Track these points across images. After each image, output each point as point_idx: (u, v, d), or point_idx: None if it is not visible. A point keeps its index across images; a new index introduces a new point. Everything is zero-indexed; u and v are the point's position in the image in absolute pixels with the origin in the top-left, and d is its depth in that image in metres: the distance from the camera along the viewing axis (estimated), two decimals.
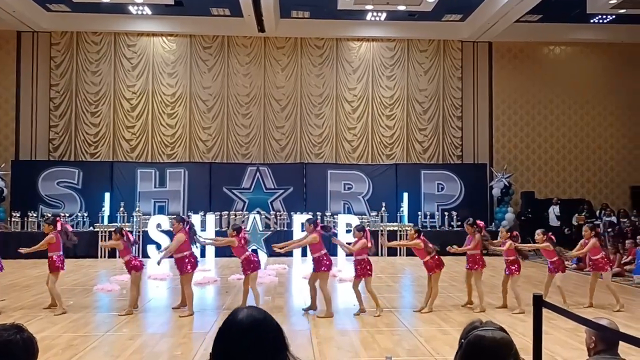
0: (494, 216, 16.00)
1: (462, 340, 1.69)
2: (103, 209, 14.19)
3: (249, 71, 16.44)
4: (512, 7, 13.51)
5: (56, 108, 16.09)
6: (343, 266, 11.04)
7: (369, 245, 7.11)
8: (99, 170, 15.27)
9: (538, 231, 7.75)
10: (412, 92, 16.77)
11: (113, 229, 8.18)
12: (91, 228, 14.08)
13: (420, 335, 6.09)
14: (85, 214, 14.43)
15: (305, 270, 10.32)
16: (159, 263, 7.78)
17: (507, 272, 7.53)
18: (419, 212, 15.17)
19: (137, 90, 16.25)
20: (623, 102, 17.24)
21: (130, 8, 14.92)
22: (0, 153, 15.84)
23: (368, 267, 7.06)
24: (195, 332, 6.33)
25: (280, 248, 7.76)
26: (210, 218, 13.67)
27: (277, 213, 14.62)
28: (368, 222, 14.44)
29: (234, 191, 15.27)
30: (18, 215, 13.86)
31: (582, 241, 7.85)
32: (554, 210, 15.41)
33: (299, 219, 13.78)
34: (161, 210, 14.83)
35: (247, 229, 13.72)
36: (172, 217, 13.91)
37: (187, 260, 7.14)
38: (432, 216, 15.25)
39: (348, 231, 13.29)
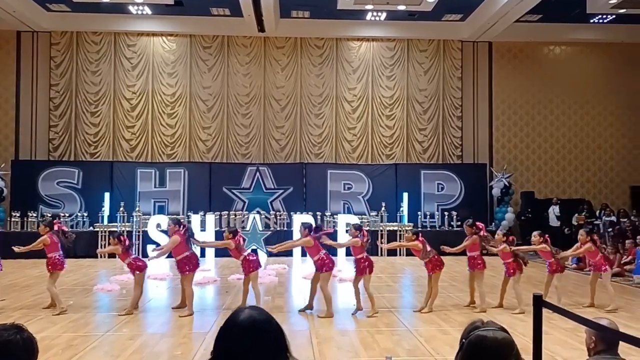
0: (494, 216, 16.01)
1: (463, 340, 1.69)
2: (103, 209, 14.18)
3: (249, 71, 16.44)
4: (512, 7, 13.51)
5: (56, 108, 16.09)
6: (343, 266, 11.03)
7: (361, 242, 7.08)
8: (99, 170, 15.27)
9: (534, 233, 7.76)
10: (412, 92, 16.77)
11: (111, 233, 8.16)
12: (91, 228, 14.08)
13: (420, 335, 6.09)
14: (85, 214, 14.43)
15: (305, 270, 10.32)
16: (149, 259, 7.82)
17: (507, 275, 7.54)
18: (419, 212, 15.18)
19: (137, 90, 16.25)
20: (623, 102, 17.24)
21: (130, 8, 14.92)
22: (0, 153, 15.84)
23: (367, 264, 7.05)
24: (195, 332, 6.33)
25: (273, 249, 7.80)
26: (210, 218, 13.67)
27: (277, 213, 14.62)
28: (368, 222, 14.46)
29: (234, 191, 15.28)
30: (18, 215, 13.86)
31: (577, 245, 7.84)
32: (553, 210, 15.41)
33: (299, 219, 13.77)
34: (161, 210, 14.84)
35: (247, 228, 13.74)
36: (171, 217, 14.01)
37: (188, 261, 7.16)
38: (432, 216, 15.25)
39: (348, 231, 13.30)
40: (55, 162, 15.49)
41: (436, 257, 7.45)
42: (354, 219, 13.92)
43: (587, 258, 7.93)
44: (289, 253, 11.65)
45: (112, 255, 12.59)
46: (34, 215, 14.00)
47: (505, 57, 17.11)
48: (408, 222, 14.64)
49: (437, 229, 14.80)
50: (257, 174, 15.37)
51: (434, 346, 5.60)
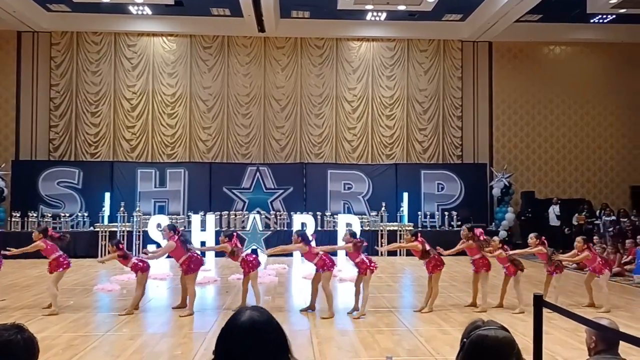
0: (494, 216, 16.01)
1: (465, 340, 1.69)
2: (103, 209, 14.19)
3: (249, 71, 16.44)
4: (512, 7, 13.51)
5: (56, 108, 16.09)
6: (343, 266, 11.03)
7: (353, 246, 7.08)
8: (99, 170, 15.27)
9: (531, 235, 7.76)
10: (412, 92, 16.77)
11: (109, 240, 8.14)
12: (91, 228, 14.08)
13: (421, 335, 6.10)
14: (86, 214, 14.43)
15: (305, 271, 10.32)
16: (145, 257, 7.84)
17: (506, 273, 7.57)
18: (419, 212, 15.18)
19: (137, 90, 16.25)
20: (623, 102, 17.24)
21: (131, 8, 14.92)
22: (1, 153, 15.84)
23: (369, 264, 7.06)
24: (195, 332, 6.33)
25: (266, 252, 7.88)
26: (210, 218, 13.68)
27: (277, 213, 14.63)
28: (368, 222, 14.46)
29: (234, 191, 15.28)
30: (18, 215, 13.86)
31: (574, 252, 7.84)
32: (554, 210, 15.40)
33: (299, 219, 13.81)
34: (161, 210, 14.84)
35: (247, 228, 13.75)
36: (170, 217, 13.99)
37: (189, 262, 7.19)
38: (432, 216, 15.25)
39: (353, 232, 13.28)
40: (55, 162, 15.49)
41: (436, 257, 7.45)
42: (354, 219, 13.95)
43: (585, 262, 7.93)
44: (288, 253, 11.64)
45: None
46: (35, 215, 14.01)
47: (506, 57, 17.11)
48: (408, 222, 14.64)
49: (437, 229, 14.80)
50: (257, 174, 15.37)
51: (434, 346, 5.60)
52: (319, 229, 13.92)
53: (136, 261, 7.37)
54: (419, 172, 15.81)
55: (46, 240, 7.29)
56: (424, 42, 16.78)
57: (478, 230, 7.82)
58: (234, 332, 1.54)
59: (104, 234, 13.45)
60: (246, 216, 14.24)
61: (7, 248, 7.44)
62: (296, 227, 13.56)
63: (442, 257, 7.56)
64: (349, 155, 16.57)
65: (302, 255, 7.36)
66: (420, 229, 12.99)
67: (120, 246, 7.47)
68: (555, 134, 17.20)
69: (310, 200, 15.28)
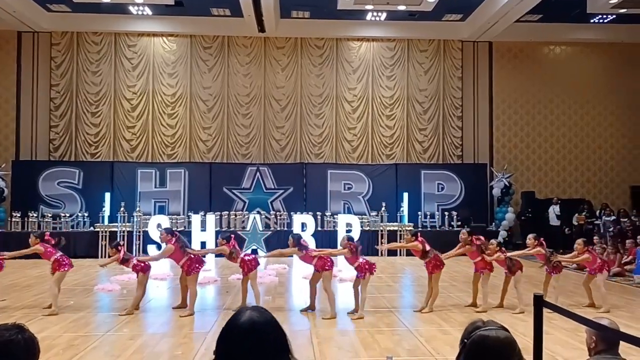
0: (494, 216, 16.01)
1: (465, 340, 1.68)
2: (103, 209, 14.19)
3: (249, 71, 16.45)
4: (512, 7, 13.51)
5: (56, 108, 16.10)
6: (343, 266, 11.02)
7: (350, 251, 7.09)
8: (100, 170, 15.28)
9: (529, 236, 7.76)
10: (412, 92, 16.77)
11: (109, 243, 8.14)
12: (92, 228, 14.08)
13: (421, 335, 6.10)
14: (86, 214, 14.44)
15: (306, 271, 10.30)
16: (142, 259, 7.87)
17: (506, 273, 7.59)
18: (419, 212, 15.18)
19: (138, 90, 16.25)
20: (623, 102, 17.24)
21: (131, 8, 14.93)
22: (1, 153, 15.85)
23: (367, 267, 7.06)
24: (195, 332, 6.33)
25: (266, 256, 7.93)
26: (211, 218, 13.68)
27: (277, 213, 14.63)
28: (368, 222, 14.47)
29: (234, 191, 15.28)
30: (18, 215, 13.87)
31: (574, 253, 7.84)
32: (554, 210, 15.41)
33: (299, 219, 13.81)
34: (162, 211, 14.85)
35: (248, 228, 13.76)
36: (170, 218, 14.00)
37: (191, 263, 7.20)
38: (432, 216, 15.26)
39: (348, 231, 13.31)
40: (55, 163, 15.50)
41: (436, 257, 7.46)
42: (354, 219, 13.96)
43: (584, 264, 7.93)
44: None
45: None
46: (35, 215, 14.01)
47: (506, 57, 17.11)
48: (408, 222, 14.64)
49: (438, 229, 14.80)
50: (258, 174, 15.38)
51: (435, 346, 5.60)
52: (319, 229, 13.94)
53: (137, 262, 7.38)
54: (419, 172, 15.81)
55: (44, 244, 7.29)
56: (424, 42, 16.78)
57: (474, 237, 7.82)
58: (234, 332, 1.55)
59: (104, 234, 13.45)
60: (246, 216, 14.25)
61: (2, 253, 7.40)
62: (296, 227, 13.57)
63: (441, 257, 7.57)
64: (349, 156, 16.57)
65: (300, 258, 7.35)
66: (420, 229, 13.00)
67: (120, 248, 7.47)
68: (556, 134, 17.20)
69: (310, 201, 15.28)
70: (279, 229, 14.10)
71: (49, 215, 14.21)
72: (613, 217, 14.19)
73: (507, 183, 15.63)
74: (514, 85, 17.06)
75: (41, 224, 13.92)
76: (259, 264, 7.60)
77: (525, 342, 3.78)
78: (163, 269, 10.80)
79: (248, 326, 1.54)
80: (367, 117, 16.67)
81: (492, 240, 7.85)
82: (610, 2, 13.74)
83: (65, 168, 15.12)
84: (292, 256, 12.32)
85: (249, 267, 7.29)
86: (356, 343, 5.79)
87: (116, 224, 13.71)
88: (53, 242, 7.44)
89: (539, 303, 2.83)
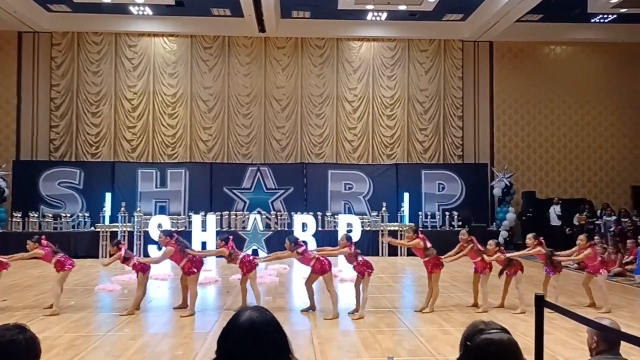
0: (495, 216, 16.00)
1: (468, 343, 1.67)
2: (104, 209, 14.19)
3: (249, 71, 16.45)
4: (512, 6, 13.50)
5: (57, 108, 16.11)
6: (343, 266, 11.03)
7: (350, 251, 7.09)
8: (100, 170, 15.28)
9: (529, 235, 7.75)
10: (413, 91, 16.77)
11: (110, 241, 8.13)
12: (92, 228, 14.09)
13: (422, 335, 6.09)
14: (87, 214, 14.44)
15: (306, 271, 10.31)
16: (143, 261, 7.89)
17: (507, 274, 7.58)
18: (420, 212, 15.17)
19: (138, 90, 16.26)
20: (624, 102, 17.23)
21: (131, 8, 14.93)
22: (1, 153, 15.86)
23: (364, 267, 7.06)
24: (196, 332, 6.33)
25: (260, 259, 7.95)
26: (211, 218, 13.68)
27: (278, 213, 14.63)
28: (369, 222, 14.46)
29: (235, 191, 15.28)
30: (19, 215, 13.88)
31: (575, 249, 7.83)
32: (555, 210, 15.40)
33: (300, 219, 13.81)
34: (162, 211, 14.85)
35: (248, 229, 13.76)
36: (171, 218, 14.01)
37: (191, 264, 7.21)
38: (433, 216, 15.25)
39: (349, 231, 13.31)
40: (56, 163, 15.51)
41: (436, 256, 7.45)
42: (355, 219, 13.95)
43: (585, 261, 7.91)
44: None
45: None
46: (36, 215, 14.02)
47: (506, 57, 17.10)
48: (409, 222, 14.63)
49: (438, 229, 14.79)
50: (258, 174, 15.38)
51: (435, 346, 5.60)
52: (319, 229, 13.94)
53: (137, 261, 7.38)
54: (419, 172, 15.81)
55: (43, 247, 7.29)
56: (424, 42, 16.77)
57: (474, 242, 7.81)
58: (234, 332, 1.55)
59: (104, 234, 13.46)
60: (247, 216, 14.24)
61: (1, 257, 7.39)
62: (297, 227, 13.57)
63: (441, 257, 7.55)
64: (349, 155, 16.57)
65: (298, 260, 7.35)
66: (421, 229, 12.99)
67: (121, 246, 7.48)
68: (556, 134, 17.19)
69: (310, 201, 15.28)
70: (279, 229, 14.09)
71: (50, 215, 14.22)
72: (614, 217, 14.19)
73: (507, 183, 15.62)
74: (515, 85, 17.05)
75: (42, 224, 13.93)
76: (257, 265, 7.60)
77: (526, 342, 3.78)
78: (164, 270, 10.79)
79: (248, 326, 1.54)
80: (368, 117, 16.67)
81: (491, 241, 7.83)
82: (611, 1, 13.72)
83: (65, 168, 15.13)
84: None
85: (248, 267, 7.30)
86: (357, 343, 5.79)
87: (117, 224, 13.72)
88: (52, 247, 7.43)
89: (540, 303, 2.83)
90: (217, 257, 12.73)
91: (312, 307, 7.32)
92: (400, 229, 14.16)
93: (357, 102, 16.67)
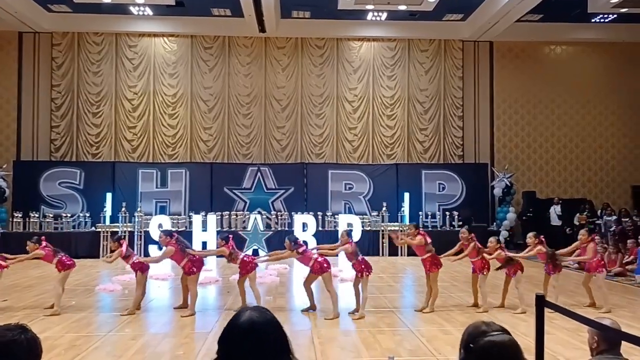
0: (495, 216, 16.00)
1: (471, 346, 1.66)
2: (105, 209, 14.21)
3: (249, 71, 16.45)
4: (513, 6, 13.50)
5: (58, 108, 16.12)
6: (344, 266, 11.03)
7: (352, 248, 7.10)
8: (101, 170, 15.29)
9: (529, 234, 7.75)
10: (413, 91, 16.77)
11: (111, 236, 8.11)
12: (93, 228, 14.10)
13: (422, 335, 6.10)
14: (87, 215, 14.45)
15: (306, 271, 10.31)
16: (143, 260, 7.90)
17: (507, 273, 7.58)
18: (420, 212, 15.17)
19: (139, 90, 16.27)
20: (624, 102, 17.22)
21: (132, 9, 14.94)
22: (2, 153, 15.87)
23: (363, 267, 7.06)
24: (197, 332, 6.34)
25: (260, 259, 7.99)
26: (212, 218, 13.69)
27: (278, 213, 14.63)
28: (369, 222, 14.47)
29: (235, 191, 15.29)
30: (20, 215, 13.88)
31: (576, 244, 7.82)
32: (555, 210, 15.40)
33: (300, 219, 13.82)
34: (163, 211, 14.86)
35: (249, 229, 13.76)
36: (171, 218, 14.02)
37: (192, 263, 7.22)
38: (434, 216, 15.25)
39: (349, 226, 13.31)
40: (57, 163, 15.51)
41: (435, 255, 7.44)
42: (355, 219, 13.96)
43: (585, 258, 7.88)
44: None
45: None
46: (36, 215, 14.03)
47: (507, 57, 17.10)
48: (409, 222, 14.62)
49: (439, 229, 14.78)
50: (258, 174, 15.39)
51: (436, 346, 5.60)
52: (320, 229, 13.94)
53: (136, 260, 7.37)
54: (420, 172, 15.81)
55: (43, 248, 7.29)
56: (424, 42, 16.77)
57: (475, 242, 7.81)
58: (234, 333, 1.56)
59: (105, 234, 13.46)
60: (247, 216, 14.25)
61: (4, 256, 7.39)
62: (297, 227, 13.58)
63: (439, 257, 7.54)
64: (349, 155, 16.57)
65: (297, 260, 7.35)
66: (421, 228, 12.97)
67: (122, 242, 7.48)
68: (557, 134, 17.19)
69: (311, 201, 15.28)
70: (279, 229, 14.10)
71: (51, 215, 14.23)
72: (614, 217, 14.18)
73: (508, 183, 15.62)
74: (515, 85, 17.05)
75: (42, 224, 13.94)
76: (257, 266, 7.60)
77: (527, 342, 3.78)
78: (164, 270, 10.80)
79: (248, 326, 1.55)
80: (368, 117, 16.67)
81: (491, 238, 7.82)
82: (611, 1, 13.72)
83: (66, 168, 15.14)
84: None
85: (248, 268, 7.29)
86: (358, 343, 5.79)
87: (117, 224, 13.73)
88: (52, 247, 7.43)
89: (541, 303, 2.83)
90: (217, 257, 12.81)
91: (312, 307, 7.33)
92: (401, 229, 14.16)
93: (357, 102, 16.68)
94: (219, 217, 14.07)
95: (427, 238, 7.50)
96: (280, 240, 12.06)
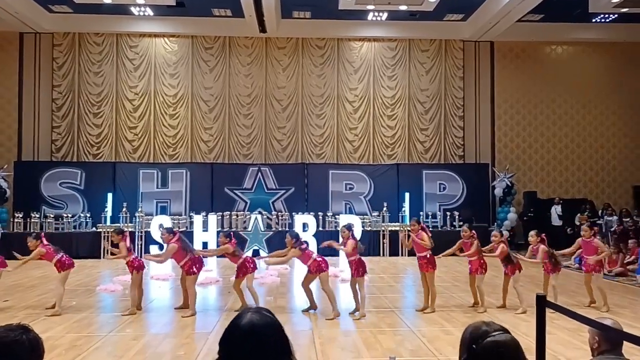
0: (496, 216, 15.99)
1: (474, 346, 1.66)
2: (106, 209, 14.22)
3: (250, 71, 16.46)
4: (513, 6, 13.49)
5: (59, 109, 16.13)
6: (345, 266, 11.02)
7: (355, 244, 7.09)
8: (102, 171, 15.31)
9: (531, 233, 7.74)
10: (414, 92, 16.77)
11: (113, 230, 8.08)
12: (94, 229, 14.11)
13: (423, 335, 6.09)
14: (88, 215, 14.46)
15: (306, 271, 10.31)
16: (146, 258, 7.94)
17: (506, 273, 7.57)
18: (421, 212, 15.14)
19: (139, 91, 16.28)
20: (625, 102, 17.21)
21: (132, 9, 14.95)
22: (3, 154, 15.89)
23: (360, 269, 7.03)
24: (198, 333, 6.34)
25: (265, 260, 8.02)
26: (212, 218, 13.70)
27: (279, 213, 14.64)
28: (370, 222, 14.46)
29: (236, 191, 15.30)
30: (21, 216, 13.90)
31: (579, 240, 7.82)
32: (556, 210, 15.39)
33: (301, 219, 13.82)
34: (163, 211, 14.87)
35: (249, 229, 13.76)
36: (172, 218, 14.03)
37: (192, 263, 7.21)
38: (434, 216, 15.25)
39: (350, 225, 13.28)
40: (57, 163, 15.52)
41: (432, 256, 7.43)
42: (356, 220, 13.94)
43: (583, 255, 7.86)
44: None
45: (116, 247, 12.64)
46: (37, 216, 14.03)
47: (507, 57, 17.09)
48: (410, 222, 14.62)
49: (439, 229, 14.77)
50: (259, 174, 15.39)
51: (437, 346, 5.60)
52: (320, 229, 13.93)
53: (133, 259, 7.35)
54: (420, 172, 15.81)
55: (44, 245, 7.29)
56: (425, 42, 16.77)
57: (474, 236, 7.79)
58: (235, 335, 1.57)
59: (106, 234, 13.47)
60: (248, 217, 14.25)
61: (14, 254, 7.40)
62: (298, 227, 13.55)
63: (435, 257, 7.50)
64: (350, 156, 16.57)
65: (297, 258, 7.33)
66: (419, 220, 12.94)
67: (125, 235, 7.47)
68: (558, 134, 17.18)
69: (311, 201, 15.29)
70: (280, 229, 14.09)
71: (51, 215, 14.24)
72: (615, 217, 14.16)
73: (509, 183, 15.61)
74: (516, 85, 17.04)
75: (43, 224, 13.95)
76: (256, 269, 7.58)
77: (527, 342, 3.78)
78: (165, 270, 10.81)
79: (248, 329, 1.56)
80: (369, 117, 16.67)
81: (495, 232, 7.79)
82: (612, 1, 13.70)
83: (67, 169, 15.15)
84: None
85: (245, 270, 7.27)
86: (359, 343, 5.79)
87: (118, 225, 13.72)
88: (53, 246, 7.43)
89: (542, 303, 2.83)
90: (217, 257, 12.81)
91: (313, 307, 7.33)
92: (402, 229, 14.16)
93: (358, 102, 16.68)
94: (220, 217, 14.08)
95: (428, 232, 7.50)
96: (280, 241, 12.06)
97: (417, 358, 5.27)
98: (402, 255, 13.74)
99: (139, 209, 14.10)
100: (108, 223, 13.95)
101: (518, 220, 15.67)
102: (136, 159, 16.07)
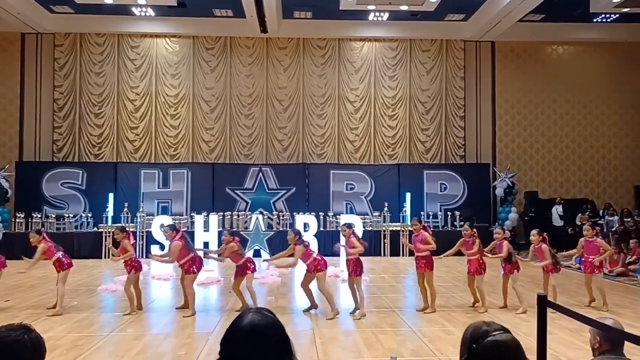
0: (497, 216, 15.98)
1: (474, 346, 1.66)
2: (107, 209, 14.23)
3: (251, 72, 16.47)
4: (514, 6, 13.49)
5: (60, 109, 16.16)
6: (344, 266, 11.02)
7: (362, 244, 7.09)
8: (103, 171, 15.33)
9: (533, 232, 7.72)
10: (415, 92, 16.76)
11: (116, 228, 8.05)
12: (95, 229, 14.12)
13: (424, 335, 6.09)
14: (89, 215, 14.48)
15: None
16: (150, 258, 8.00)
17: (504, 273, 7.55)
18: (422, 212, 15.15)
19: (141, 91, 16.30)
20: (626, 101, 17.19)
21: (134, 9, 14.97)
22: (5, 154, 15.92)
23: (358, 269, 7.02)
24: (198, 332, 6.34)
25: (271, 262, 7.98)
26: (214, 218, 13.71)
27: (280, 213, 14.65)
28: (371, 222, 14.46)
29: (237, 191, 15.31)
30: (22, 216, 13.92)
31: (582, 240, 7.81)
32: (557, 210, 15.37)
33: (302, 219, 13.82)
34: (164, 211, 14.89)
35: (250, 229, 13.78)
36: (173, 218, 14.04)
37: (192, 262, 7.22)
38: (435, 216, 15.24)
39: (350, 224, 13.28)
40: (59, 163, 15.55)
41: (431, 256, 7.42)
42: (357, 220, 13.94)
43: (584, 253, 7.84)
44: (290, 254, 11.66)
45: (116, 246, 12.64)
46: (39, 216, 14.06)
47: (508, 57, 17.08)
48: (411, 222, 14.61)
49: (440, 229, 14.77)
50: (260, 174, 15.40)
51: (438, 346, 5.60)
52: (321, 229, 13.94)
53: (133, 259, 7.35)
54: (421, 172, 15.80)
55: (46, 240, 7.30)
56: (426, 42, 16.76)
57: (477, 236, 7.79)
58: (236, 335, 1.57)
59: (107, 234, 13.48)
60: (249, 217, 14.27)
61: (22, 257, 7.39)
62: (299, 227, 13.52)
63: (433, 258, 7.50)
64: (351, 156, 16.57)
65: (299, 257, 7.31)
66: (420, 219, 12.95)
67: (127, 233, 7.46)
68: (559, 134, 17.16)
69: (312, 201, 15.29)
70: (281, 229, 14.10)
71: (53, 216, 14.27)
72: (616, 217, 14.15)
73: (510, 183, 15.61)
74: (517, 85, 17.03)
75: (45, 224, 13.97)
76: (255, 270, 7.58)
77: (528, 343, 3.78)
78: (166, 270, 10.81)
79: (249, 329, 1.56)
80: (370, 117, 16.67)
81: (498, 229, 7.78)
82: (613, 1, 13.69)
83: (68, 169, 15.17)
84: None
85: (244, 271, 7.27)
86: (359, 343, 5.79)
87: (120, 225, 13.72)
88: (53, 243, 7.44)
89: (543, 303, 2.83)
90: (218, 256, 12.81)
91: (313, 306, 7.33)
92: (402, 229, 14.15)
93: (359, 102, 16.68)
94: (221, 217, 14.09)
95: (430, 232, 7.51)
96: (281, 241, 12.09)
97: (418, 358, 5.27)
98: (403, 255, 13.73)
99: (140, 209, 14.12)
100: (109, 223, 13.96)
101: (519, 220, 15.66)
102: (137, 159, 16.09)
